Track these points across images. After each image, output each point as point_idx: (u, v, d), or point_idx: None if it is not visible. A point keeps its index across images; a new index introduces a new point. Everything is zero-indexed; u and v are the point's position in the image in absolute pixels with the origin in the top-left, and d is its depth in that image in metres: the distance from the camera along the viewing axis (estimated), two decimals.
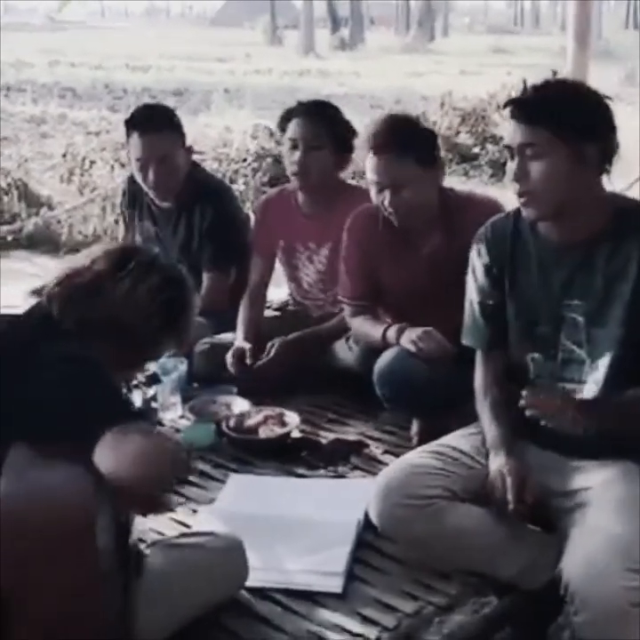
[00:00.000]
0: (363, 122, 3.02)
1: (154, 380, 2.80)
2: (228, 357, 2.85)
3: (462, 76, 17.76)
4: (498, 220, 2.10)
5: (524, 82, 1.91)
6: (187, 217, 3.20)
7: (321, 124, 2.85)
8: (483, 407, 2.08)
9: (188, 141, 3.28)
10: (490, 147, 8.41)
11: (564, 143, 1.82)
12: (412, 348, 2.40)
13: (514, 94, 1.98)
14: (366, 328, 2.65)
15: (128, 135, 3.14)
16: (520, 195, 1.91)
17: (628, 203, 1.96)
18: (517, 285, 2.03)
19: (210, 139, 8.13)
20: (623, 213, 1.91)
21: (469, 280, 2.13)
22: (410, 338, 2.42)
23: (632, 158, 8.75)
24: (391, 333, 2.51)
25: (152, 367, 2.79)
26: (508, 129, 1.90)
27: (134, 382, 2.74)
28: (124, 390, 2.46)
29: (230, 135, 8.36)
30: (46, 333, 1.61)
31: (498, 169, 8.31)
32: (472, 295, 2.12)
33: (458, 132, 8.53)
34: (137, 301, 1.67)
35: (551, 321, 1.98)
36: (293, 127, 2.86)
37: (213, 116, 11.66)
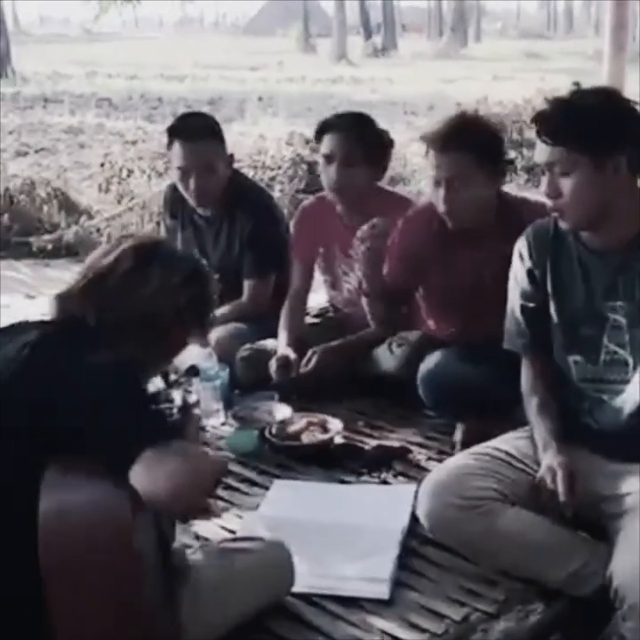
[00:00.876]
0: (396, 128, 3.02)
1: (193, 372, 2.79)
2: (272, 364, 2.86)
3: (495, 82, 17.67)
4: (539, 223, 2.10)
5: (546, 99, 1.91)
6: (228, 224, 3.22)
7: (355, 139, 2.83)
8: (530, 407, 2.08)
9: None
10: (525, 151, 8.36)
11: (587, 159, 1.83)
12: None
13: (546, 103, 1.98)
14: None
15: (170, 143, 3.17)
16: (553, 209, 1.94)
17: None
18: (560, 288, 2.04)
19: (245, 147, 8.17)
20: None
21: (511, 284, 2.14)
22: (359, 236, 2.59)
23: None
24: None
25: (188, 361, 2.79)
26: (537, 145, 1.92)
27: (174, 378, 2.75)
28: (162, 400, 2.47)
29: (265, 143, 8.40)
30: (79, 339, 1.58)
31: (534, 175, 8.26)
32: (514, 298, 2.13)
33: None
34: (167, 297, 1.66)
35: (594, 323, 1.98)
36: (328, 142, 2.86)
37: (247, 125, 11.73)
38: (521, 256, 2.11)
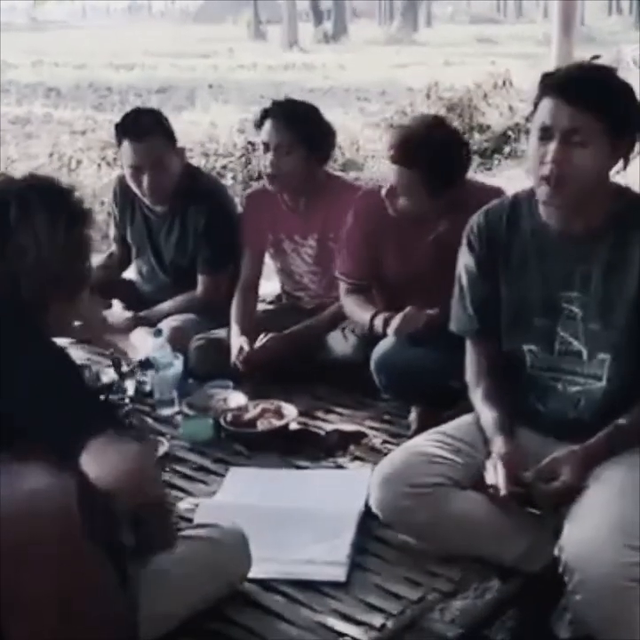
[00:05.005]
0: (349, 115, 3.02)
1: (147, 365, 2.80)
2: (234, 359, 2.86)
3: (447, 67, 17.72)
4: (493, 207, 2.06)
5: (579, 66, 1.86)
6: (181, 218, 3.19)
7: (292, 127, 2.83)
8: (475, 396, 2.07)
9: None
10: (477, 136, 8.43)
11: (607, 134, 1.79)
12: (396, 336, 2.45)
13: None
14: (356, 310, 2.70)
15: (119, 142, 3.12)
16: (548, 178, 1.82)
17: (631, 196, 1.94)
18: (513, 275, 2.01)
19: (195, 135, 8.11)
20: (626, 207, 1.90)
21: (460, 267, 2.11)
22: (393, 327, 2.46)
23: None
24: (378, 322, 2.55)
25: (142, 354, 2.81)
26: (545, 107, 1.81)
27: (126, 370, 2.73)
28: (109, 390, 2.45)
29: (216, 131, 8.35)
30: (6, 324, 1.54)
31: (486, 157, 8.33)
32: (463, 282, 2.10)
33: None
34: (47, 247, 1.58)
35: (549, 313, 1.96)
36: (266, 130, 2.86)
37: (198, 113, 11.64)
38: (470, 244, 2.07)
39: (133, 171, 3.10)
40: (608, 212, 1.90)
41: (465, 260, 2.09)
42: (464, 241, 2.09)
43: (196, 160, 6.74)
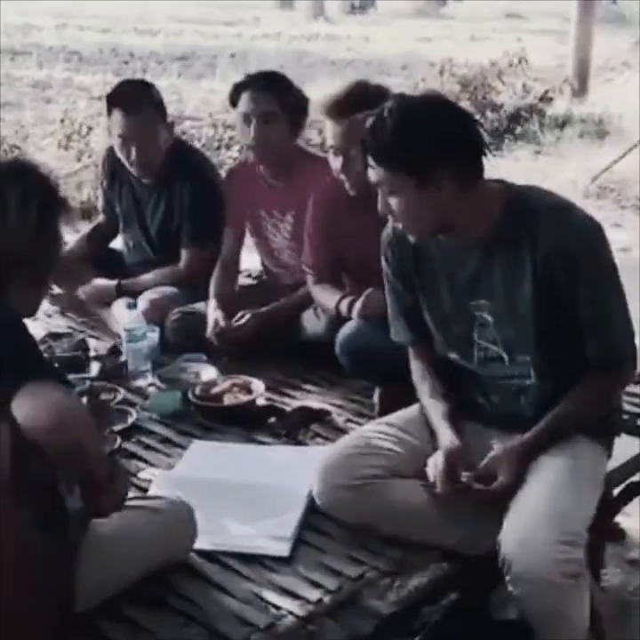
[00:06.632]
0: None
1: (116, 351, 2.86)
2: (209, 333, 2.89)
3: (472, 42, 17.50)
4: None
5: (370, 118, 1.86)
6: (168, 192, 3.23)
7: (272, 95, 2.85)
8: (422, 393, 2.12)
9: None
10: (489, 114, 8.35)
11: (407, 178, 1.82)
12: (361, 319, 2.48)
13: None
14: (323, 298, 2.74)
15: (109, 111, 3.16)
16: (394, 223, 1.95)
17: (519, 196, 1.93)
18: (427, 288, 2.06)
19: (213, 105, 8.07)
20: (515, 208, 1.90)
21: (385, 281, 2.16)
22: (357, 310, 2.49)
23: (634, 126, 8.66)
24: (343, 307, 2.59)
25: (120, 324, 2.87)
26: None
27: (94, 354, 2.80)
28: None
29: None
30: None
31: (497, 137, 8.26)
32: (389, 296, 2.16)
33: (457, 100, 8.47)
34: (17, 228, 1.62)
35: (463, 321, 2.00)
36: (245, 101, 2.88)
37: (218, 82, 11.59)
38: (386, 258, 2.12)
39: (122, 141, 3.14)
40: (500, 217, 1.90)
41: (386, 273, 2.14)
42: (382, 257, 2.14)
43: (206, 131, 6.75)
